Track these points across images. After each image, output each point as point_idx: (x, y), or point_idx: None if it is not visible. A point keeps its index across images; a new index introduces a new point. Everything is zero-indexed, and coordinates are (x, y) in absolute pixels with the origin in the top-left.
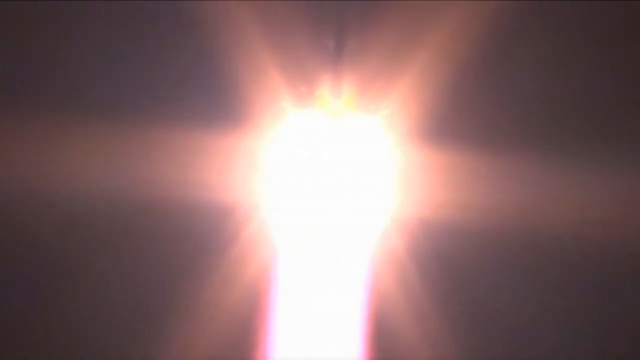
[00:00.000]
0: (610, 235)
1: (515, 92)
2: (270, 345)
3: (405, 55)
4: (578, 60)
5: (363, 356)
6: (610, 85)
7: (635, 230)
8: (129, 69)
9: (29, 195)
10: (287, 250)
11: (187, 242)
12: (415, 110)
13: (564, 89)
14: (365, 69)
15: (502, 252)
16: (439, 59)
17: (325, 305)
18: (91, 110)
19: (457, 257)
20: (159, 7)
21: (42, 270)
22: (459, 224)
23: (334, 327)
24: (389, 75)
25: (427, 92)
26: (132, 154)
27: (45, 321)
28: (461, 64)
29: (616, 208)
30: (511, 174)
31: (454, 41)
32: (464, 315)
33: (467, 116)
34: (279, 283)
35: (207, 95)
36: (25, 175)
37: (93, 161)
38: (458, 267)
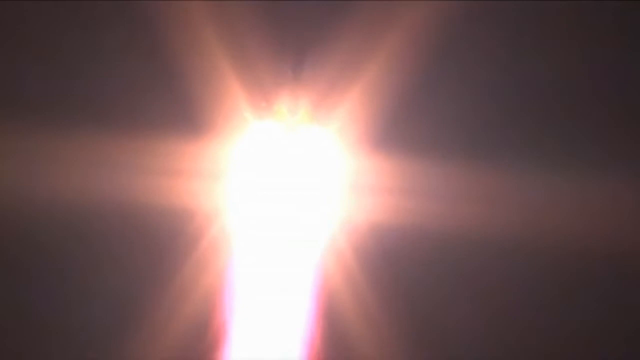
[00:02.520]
0: (546, 235)
1: (459, 101)
2: (227, 346)
3: (355, 70)
4: (524, 61)
5: (312, 355)
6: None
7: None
8: (95, 78)
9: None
10: (243, 253)
11: (149, 245)
12: (364, 121)
13: (509, 93)
14: (320, 83)
15: (446, 254)
16: (387, 71)
17: (277, 306)
18: (56, 118)
19: (402, 259)
20: (125, 21)
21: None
22: (405, 227)
23: (286, 328)
24: (341, 89)
25: (375, 104)
26: (96, 160)
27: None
28: (407, 76)
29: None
30: (455, 179)
31: (401, 54)
32: (408, 315)
33: (413, 125)
34: (235, 283)
35: (171, 105)
36: None
37: (56, 167)
38: (403, 268)
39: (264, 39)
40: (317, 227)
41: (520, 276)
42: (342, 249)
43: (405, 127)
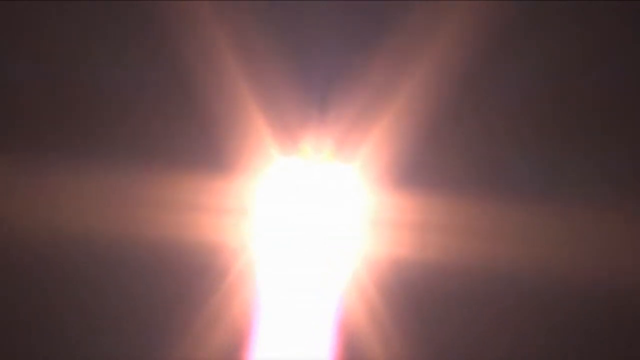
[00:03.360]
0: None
1: (478, 140)
2: None
3: (377, 110)
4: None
5: None
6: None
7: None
8: (122, 110)
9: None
10: (268, 286)
11: (178, 279)
12: (385, 159)
13: (529, 134)
14: (343, 122)
15: (467, 288)
16: (406, 112)
17: (301, 339)
18: (82, 149)
19: (423, 293)
20: (156, 60)
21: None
22: (425, 262)
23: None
24: (363, 128)
25: (396, 142)
26: (124, 193)
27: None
28: (426, 116)
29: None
30: (475, 217)
31: (424, 89)
32: (430, 348)
33: (434, 162)
34: (261, 316)
35: (199, 143)
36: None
37: (82, 199)
38: (424, 301)
39: (290, 79)
40: (339, 262)
41: (540, 312)
42: (364, 283)
43: (425, 165)
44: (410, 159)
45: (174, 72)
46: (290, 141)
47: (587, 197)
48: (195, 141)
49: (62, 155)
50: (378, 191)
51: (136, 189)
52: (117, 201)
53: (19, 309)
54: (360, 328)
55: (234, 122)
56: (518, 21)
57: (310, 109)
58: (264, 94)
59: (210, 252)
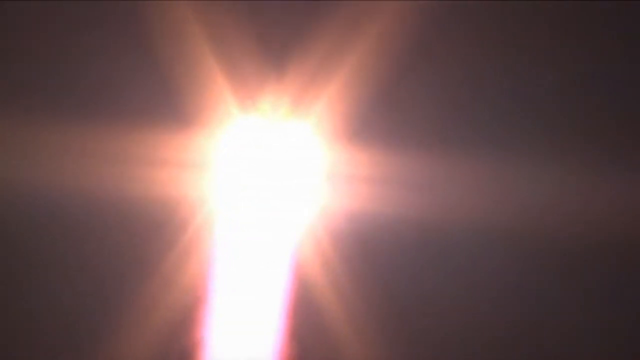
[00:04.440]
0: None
1: (433, 94)
2: (206, 335)
3: (333, 67)
4: (493, 60)
5: (289, 341)
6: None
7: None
8: (82, 71)
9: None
10: (226, 239)
11: (137, 234)
12: (341, 115)
13: (484, 85)
14: (300, 80)
15: (417, 239)
16: (362, 68)
17: (255, 289)
18: (43, 109)
19: (376, 244)
20: (114, 17)
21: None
22: (378, 214)
23: (262, 312)
24: (320, 85)
25: (351, 99)
26: (82, 150)
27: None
28: (382, 72)
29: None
30: (427, 169)
31: (377, 51)
32: (382, 298)
33: (388, 118)
34: (218, 268)
35: (158, 99)
36: None
37: (41, 158)
38: (377, 253)
39: (249, 38)
40: (295, 214)
41: (489, 260)
42: (320, 234)
43: (379, 120)
44: (364, 114)
45: (136, 30)
46: (249, 98)
47: (535, 147)
48: (156, 98)
49: (24, 109)
50: (333, 146)
51: (97, 143)
52: (74, 156)
53: None
54: (315, 278)
55: (195, 80)
56: None
57: (268, 68)
58: (224, 54)
59: (169, 206)
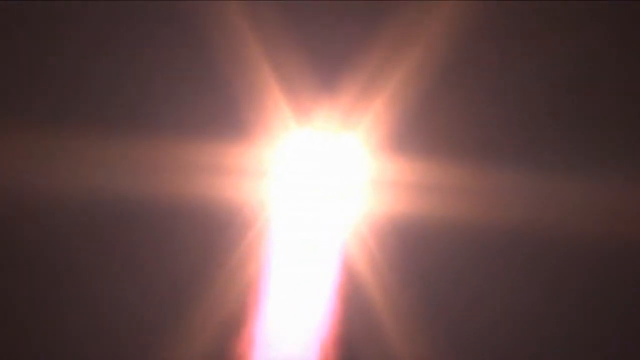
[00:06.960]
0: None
1: (471, 106)
2: (258, 334)
3: (380, 82)
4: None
5: (337, 341)
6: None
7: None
8: (143, 79)
9: (34, 198)
10: (281, 242)
11: (197, 240)
12: (388, 125)
13: (517, 97)
14: (351, 93)
15: (460, 243)
16: (406, 83)
17: (307, 287)
18: (110, 120)
19: (419, 246)
20: (173, 25)
21: (49, 269)
22: (421, 218)
23: (313, 307)
24: (368, 98)
25: (396, 111)
26: (144, 158)
27: (44, 320)
28: (424, 85)
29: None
30: (465, 176)
31: (421, 63)
32: (427, 302)
33: (430, 128)
34: (273, 269)
35: (224, 114)
36: (29, 178)
37: (114, 162)
38: (420, 254)
39: (303, 58)
40: (345, 218)
41: (534, 266)
42: (366, 237)
43: (421, 132)
44: (407, 127)
45: (192, 41)
46: (303, 112)
47: (573, 162)
48: (221, 112)
49: (87, 121)
50: (380, 155)
51: (167, 154)
52: (153, 164)
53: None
54: (363, 277)
55: (255, 96)
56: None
57: (321, 84)
58: (282, 72)
59: (231, 211)
